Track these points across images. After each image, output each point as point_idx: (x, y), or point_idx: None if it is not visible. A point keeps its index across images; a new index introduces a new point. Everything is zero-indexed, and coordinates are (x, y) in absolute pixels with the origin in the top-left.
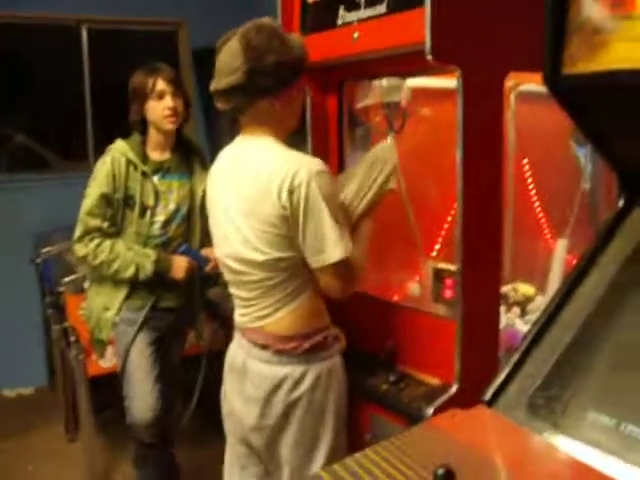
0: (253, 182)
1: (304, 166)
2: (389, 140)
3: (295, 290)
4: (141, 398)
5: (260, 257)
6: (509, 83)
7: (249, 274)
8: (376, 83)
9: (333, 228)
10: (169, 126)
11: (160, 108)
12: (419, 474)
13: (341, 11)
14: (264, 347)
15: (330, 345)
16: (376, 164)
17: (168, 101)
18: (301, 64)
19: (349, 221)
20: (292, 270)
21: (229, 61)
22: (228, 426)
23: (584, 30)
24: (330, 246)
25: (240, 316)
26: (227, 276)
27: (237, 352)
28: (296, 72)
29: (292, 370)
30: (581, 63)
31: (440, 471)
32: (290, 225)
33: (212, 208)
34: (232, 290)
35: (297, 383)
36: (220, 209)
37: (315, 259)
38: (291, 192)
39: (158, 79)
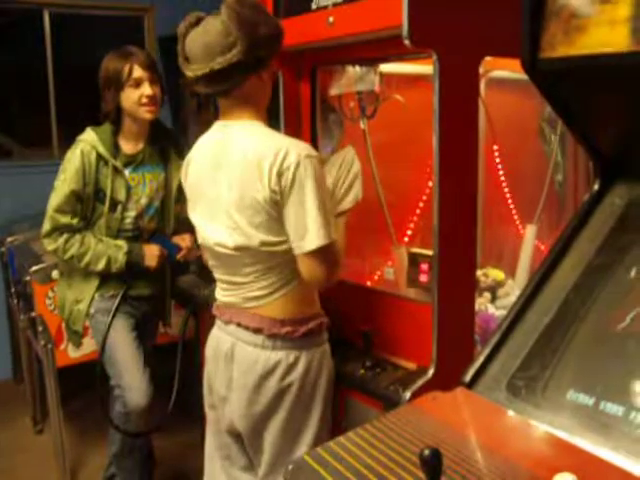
0: (242, 166)
1: (293, 149)
2: (350, 148)
3: (290, 273)
4: (135, 386)
5: (253, 242)
6: (480, 70)
7: (242, 259)
8: (349, 70)
9: (319, 213)
10: (147, 115)
11: (137, 96)
12: (404, 456)
13: None
14: (256, 331)
15: (322, 332)
16: (342, 168)
17: (146, 89)
18: (282, 38)
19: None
20: (287, 254)
21: (219, 39)
22: (211, 415)
23: (563, 14)
24: (315, 230)
25: (228, 297)
26: (213, 262)
27: (223, 338)
28: (280, 42)
29: (285, 355)
30: (560, 47)
31: (426, 452)
32: (279, 208)
33: (195, 196)
34: (219, 275)
35: (290, 368)
36: (206, 197)
37: (298, 244)
38: (280, 174)
39: (134, 65)
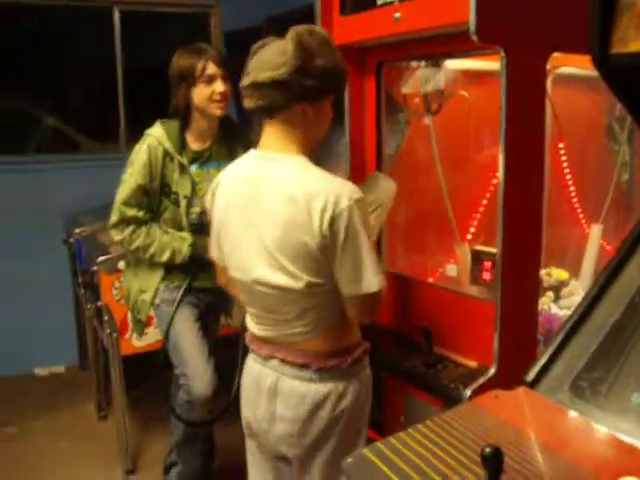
0: (288, 205)
1: (345, 192)
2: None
3: (331, 310)
4: (200, 375)
5: (298, 284)
6: (547, 66)
7: (282, 298)
8: (415, 69)
9: (372, 258)
10: (218, 112)
11: (209, 93)
12: (464, 453)
13: None
14: (303, 366)
15: (365, 357)
16: (379, 196)
17: (219, 85)
18: (342, 80)
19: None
20: (329, 293)
21: (274, 57)
22: (251, 443)
23: (635, 8)
24: (369, 276)
25: (266, 332)
26: (247, 297)
27: (264, 372)
28: (336, 85)
29: (335, 386)
30: (633, 43)
31: (487, 450)
32: (329, 252)
33: (227, 227)
34: (253, 310)
35: (340, 398)
36: (243, 230)
37: (352, 286)
38: (333, 220)
39: (208, 62)
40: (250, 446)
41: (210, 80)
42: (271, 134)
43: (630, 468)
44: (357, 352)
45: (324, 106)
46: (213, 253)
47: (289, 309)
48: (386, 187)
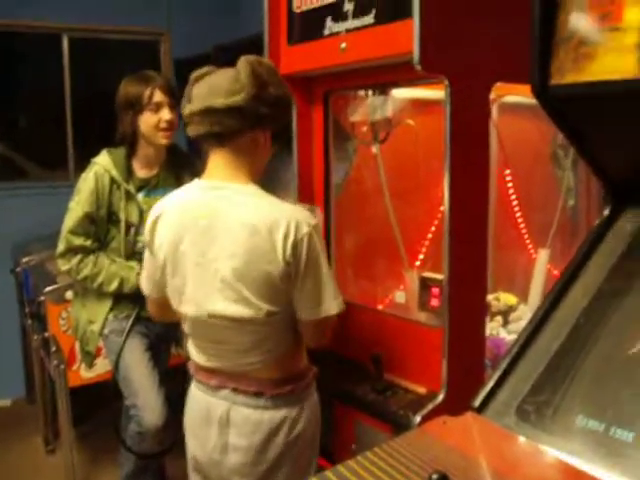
0: (247, 235)
1: (303, 219)
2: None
3: (286, 337)
4: (151, 405)
5: (256, 314)
6: (492, 95)
7: (239, 329)
8: (362, 97)
9: (331, 282)
10: (164, 140)
11: (156, 121)
12: None
13: (328, 21)
14: (257, 394)
15: (314, 381)
16: None
17: (166, 114)
18: (290, 110)
19: None
20: (285, 321)
21: (227, 84)
22: (197, 477)
23: (572, 41)
24: (329, 300)
25: (214, 363)
26: (197, 330)
27: (213, 403)
28: (284, 115)
29: (289, 412)
30: (569, 74)
31: (435, 476)
32: (291, 279)
33: (177, 264)
34: (201, 342)
35: (295, 423)
36: (195, 267)
37: (312, 311)
38: (295, 246)
39: (155, 90)
40: (195, 478)
41: (157, 108)
42: (219, 162)
43: None
44: (308, 377)
45: (270, 135)
46: (145, 285)
47: (245, 339)
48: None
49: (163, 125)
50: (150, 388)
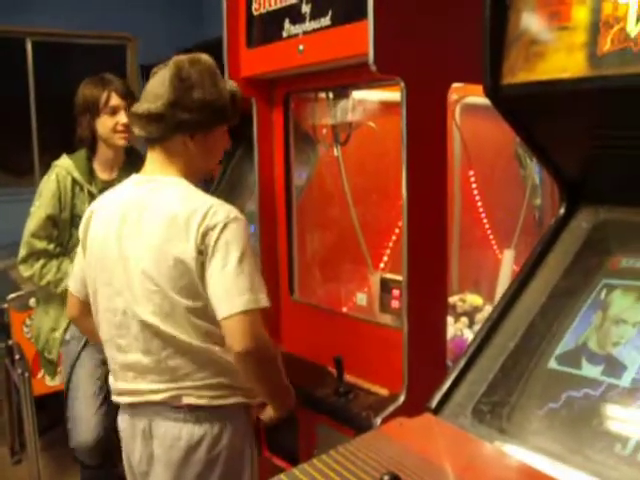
0: (167, 224)
1: (221, 209)
2: None
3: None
4: (84, 420)
5: (177, 309)
6: (454, 96)
7: (157, 330)
8: (323, 99)
9: (245, 277)
10: (121, 142)
11: (112, 123)
12: None
13: (286, 24)
14: (177, 407)
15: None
16: None
17: (122, 117)
18: (227, 110)
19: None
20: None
21: (153, 88)
22: None
23: (522, 41)
24: (238, 295)
25: (134, 385)
26: (114, 334)
27: (136, 415)
28: (218, 118)
29: (210, 427)
30: (521, 73)
31: (386, 477)
32: (204, 270)
33: (97, 258)
34: (120, 356)
35: (216, 440)
36: (115, 258)
37: (221, 307)
38: (205, 233)
39: (112, 93)
40: None
41: (114, 111)
42: (153, 159)
43: None
44: (238, 394)
45: (207, 139)
46: (72, 284)
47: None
48: None
49: (119, 128)
50: (88, 404)
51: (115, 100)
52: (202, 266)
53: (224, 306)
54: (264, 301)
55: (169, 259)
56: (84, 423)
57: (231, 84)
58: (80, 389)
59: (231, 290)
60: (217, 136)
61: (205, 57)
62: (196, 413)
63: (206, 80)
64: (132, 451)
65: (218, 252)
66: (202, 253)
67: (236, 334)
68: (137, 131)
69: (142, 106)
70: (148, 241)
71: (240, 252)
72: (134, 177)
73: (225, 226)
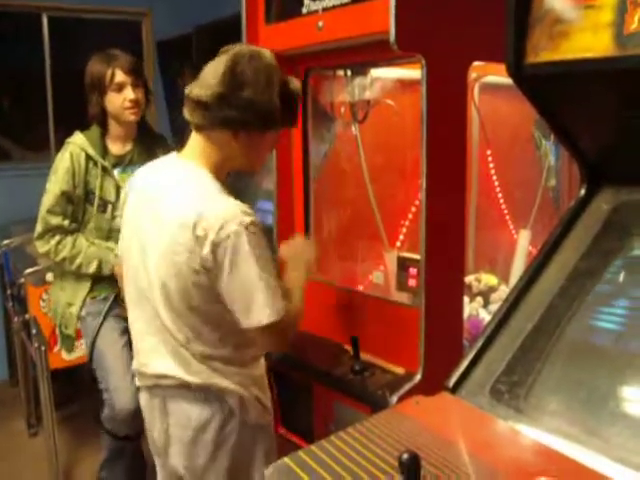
0: (174, 219)
1: (234, 217)
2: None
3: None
4: (122, 389)
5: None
6: (473, 75)
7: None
8: (341, 76)
9: (262, 287)
10: (131, 118)
11: (120, 100)
12: (384, 459)
13: (306, 0)
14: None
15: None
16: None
17: (129, 93)
18: (274, 116)
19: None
20: (208, 319)
21: (209, 75)
22: (158, 461)
23: (547, 20)
24: (259, 307)
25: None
26: (141, 311)
27: (152, 391)
28: (265, 121)
29: (220, 407)
30: (544, 52)
31: (405, 456)
32: (213, 278)
33: (133, 229)
34: (144, 334)
35: (226, 421)
36: (146, 233)
37: (244, 320)
38: (216, 244)
39: (116, 69)
40: (157, 464)
41: (120, 88)
42: (194, 146)
43: (547, 470)
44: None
45: (255, 138)
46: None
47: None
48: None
49: (127, 104)
50: (122, 372)
51: (120, 77)
52: (208, 272)
53: (249, 320)
54: (282, 311)
55: (175, 261)
56: (122, 392)
57: (294, 83)
58: (108, 361)
59: (253, 302)
60: (264, 138)
61: (267, 54)
62: (205, 393)
63: (260, 79)
64: (152, 427)
65: (235, 263)
66: (207, 261)
67: (270, 343)
68: (185, 113)
69: (194, 90)
70: (158, 244)
71: (257, 260)
72: (172, 155)
73: (239, 236)
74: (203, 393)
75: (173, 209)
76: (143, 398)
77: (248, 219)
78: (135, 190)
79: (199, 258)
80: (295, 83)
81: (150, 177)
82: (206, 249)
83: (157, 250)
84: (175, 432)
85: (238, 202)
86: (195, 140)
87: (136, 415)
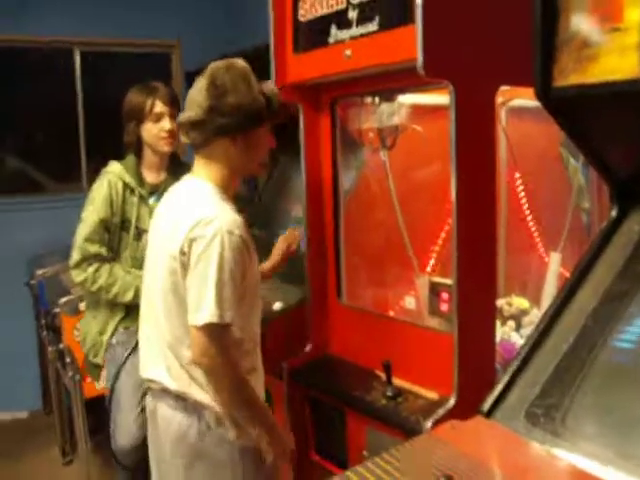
0: (175, 225)
1: (218, 219)
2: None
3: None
4: (125, 427)
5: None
6: (500, 99)
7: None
8: (369, 104)
9: (214, 289)
10: (166, 148)
11: (157, 130)
12: None
13: (333, 29)
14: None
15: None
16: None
17: (166, 123)
18: (263, 112)
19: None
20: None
21: (194, 96)
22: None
23: (573, 43)
24: (207, 306)
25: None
26: (150, 313)
27: (150, 398)
28: (256, 119)
29: (198, 418)
30: (572, 75)
31: None
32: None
33: (149, 253)
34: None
35: (204, 432)
36: (151, 253)
37: (190, 315)
38: (193, 239)
39: (156, 100)
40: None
41: (158, 118)
42: (197, 165)
43: None
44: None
45: (249, 139)
46: None
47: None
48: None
49: (163, 135)
50: (130, 409)
51: (159, 107)
52: (184, 269)
53: (196, 315)
54: (228, 318)
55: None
56: (125, 429)
57: (269, 86)
58: (123, 395)
59: (202, 300)
60: (259, 136)
61: (240, 62)
62: (184, 402)
63: (240, 85)
64: (150, 432)
65: (202, 261)
66: (184, 255)
67: (200, 347)
68: (183, 138)
69: (184, 115)
70: (162, 247)
71: (223, 264)
72: (182, 182)
73: (214, 237)
74: (182, 402)
75: (175, 217)
76: (147, 402)
77: (233, 227)
78: (156, 214)
79: (185, 255)
80: (270, 85)
81: (166, 199)
82: (187, 244)
83: (161, 253)
84: (160, 436)
85: (234, 213)
86: (198, 160)
87: (136, 451)
